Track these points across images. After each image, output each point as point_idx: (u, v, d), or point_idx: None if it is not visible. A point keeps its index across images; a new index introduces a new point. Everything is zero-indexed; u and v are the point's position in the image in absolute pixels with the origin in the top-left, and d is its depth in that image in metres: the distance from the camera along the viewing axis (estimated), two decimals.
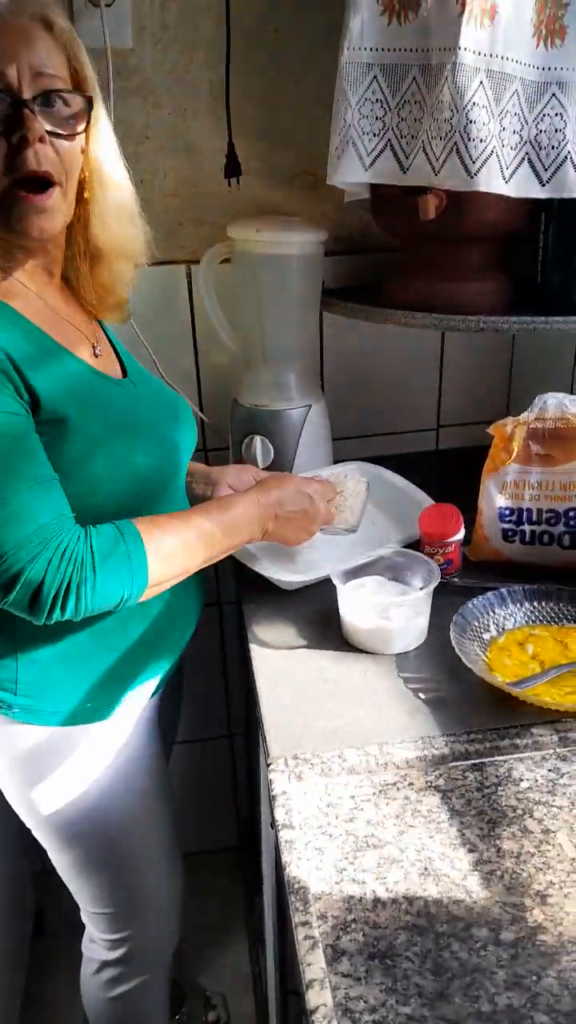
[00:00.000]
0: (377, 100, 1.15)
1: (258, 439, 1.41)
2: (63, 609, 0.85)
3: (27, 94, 0.85)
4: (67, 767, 1.04)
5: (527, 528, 1.18)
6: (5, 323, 0.88)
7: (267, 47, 1.34)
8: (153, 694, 1.10)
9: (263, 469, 1.41)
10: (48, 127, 0.87)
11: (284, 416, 1.40)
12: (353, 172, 1.17)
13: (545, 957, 0.69)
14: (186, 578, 0.98)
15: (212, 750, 1.84)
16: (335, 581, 1.06)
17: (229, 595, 1.66)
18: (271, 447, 1.40)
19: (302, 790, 0.86)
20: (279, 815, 0.83)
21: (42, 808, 1.06)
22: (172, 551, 0.92)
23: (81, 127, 0.90)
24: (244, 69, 1.34)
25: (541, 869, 0.77)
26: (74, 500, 0.90)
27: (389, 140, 1.16)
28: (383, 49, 1.13)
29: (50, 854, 1.14)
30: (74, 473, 0.90)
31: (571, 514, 1.15)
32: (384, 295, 1.31)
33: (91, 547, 0.86)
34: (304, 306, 1.39)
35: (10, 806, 1.10)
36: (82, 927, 1.25)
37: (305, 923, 0.72)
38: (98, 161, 0.95)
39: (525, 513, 1.18)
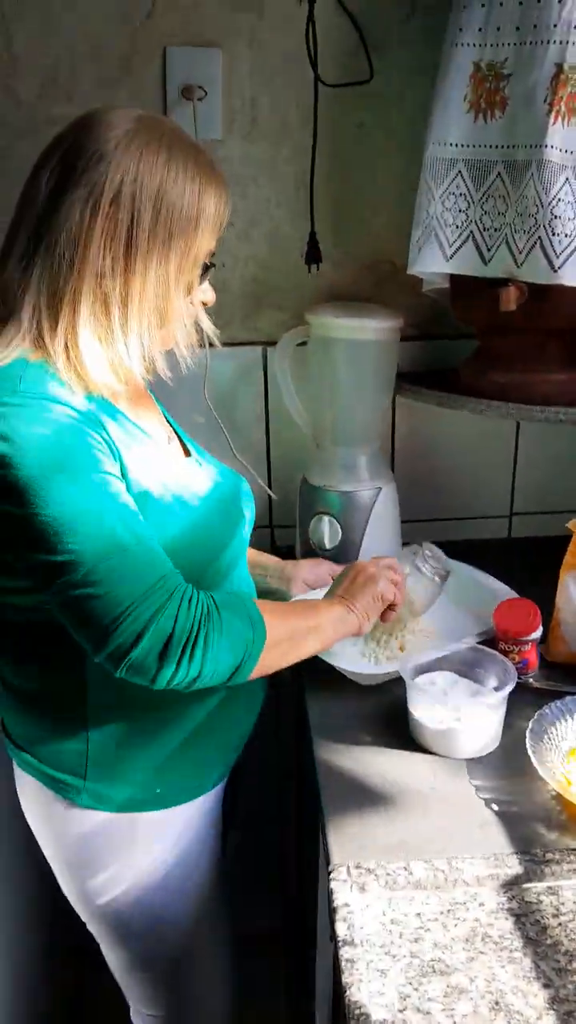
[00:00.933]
0: (461, 194, 1.16)
1: (326, 519, 1.40)
2: (191, 659, 0.84)
3: None
4: (127, 856, 1.01)
5: None
6: (101, 405, 0.90)
7: (351, 141, 1.38)
8: (217, 782, 1.07)
9: (329, 549, 1.39)
10: None
11: (353, 497, 1.39)
12: (434, 262, 1.18)
13: None
14: None
15: (261, 832, 1.78)
16: (404, 676, 1.02)
17: (285, 678, 1.63)
18: (339, 527, 1.39)
19: (364, 903, 0.82)
20: (340, 930, 0.78)
21: (97, 899, 1.03)
22: (280, 636, 0.94)
23: None
24: (328, 162, 1.37)
25: None
26: None
27: (472, 232, 1.16)
28: (468, 145, 1.14)
29: (102, 947, 1.10)
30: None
31: None
32: (460, 382, 1.30)
33: (212, 598, 0.88)
34: (378, 390, 1.39)
35: (45, 877, 1.08)
36: (124, 1004, 1.20)
37: None
38: None
39: None
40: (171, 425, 1.11)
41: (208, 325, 1.00)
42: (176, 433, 1.11)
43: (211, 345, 1.02)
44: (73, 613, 0.83)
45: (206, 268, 0.95)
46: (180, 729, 1.00)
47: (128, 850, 1.00)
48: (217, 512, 1.01)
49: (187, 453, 1.08)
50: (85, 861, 1.01)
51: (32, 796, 1.03)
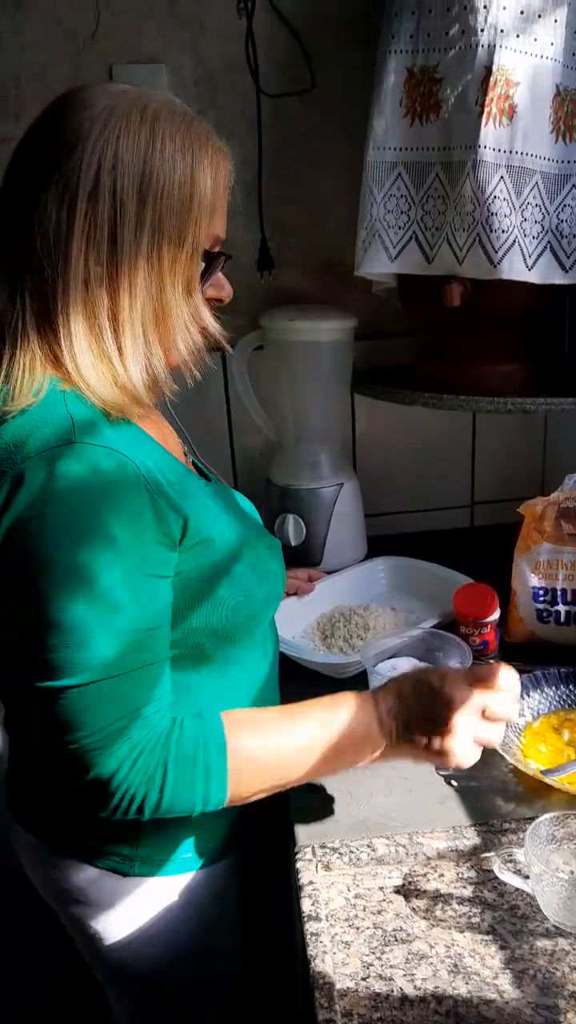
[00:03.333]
0: (402, 195, 1.20)
1: (291, 517, 1.43)
2: (126, 814, 0.75)
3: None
4: (161, 918, 0.92)
5: (562, 608, 1.17)
6: (151, 449, 0.80)
7: (297, 148, 1.41)
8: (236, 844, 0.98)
9: (295, 546, 1.43)
10: None
11: (316, 494, 1.42)
12: (380, 263, 1.22)
13: None
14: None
15: None
16: (365, 663, 1.06)
17: None
18: (303, 525, 1.42)
19: (329, 880, 0.85)
20: (305, 906, 0.81)
21: (115, 954, 0.95)
22: (264, 765, 0.79)
23: None
24: (276, 169, 1.41)
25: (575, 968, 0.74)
26: (200, 623, 0.83)
27: (414, 232, 1.20)
28: (407, 148, 1.18)
29: (112, 1000, 1.04)
30: (206, 594, 0.82)
31: None
32: (413, 377, 1.34)
33: (170, 749, 0.76)
34: (335, 389, 1.43)
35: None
36: None
37: (330, 1021, 0.70)
38: None
39: (559, 593, 1.17)
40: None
41: (214, 325, 0.83)
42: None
43: (219, 350, 0.86)
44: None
45: (212, 258, 0.81)
46: None
47: (162, 912, 0.92)
48: (261, 540, 0.92)
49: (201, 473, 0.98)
50: (129, 926, 0.93)
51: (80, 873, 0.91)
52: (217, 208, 0.80)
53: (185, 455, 0.96)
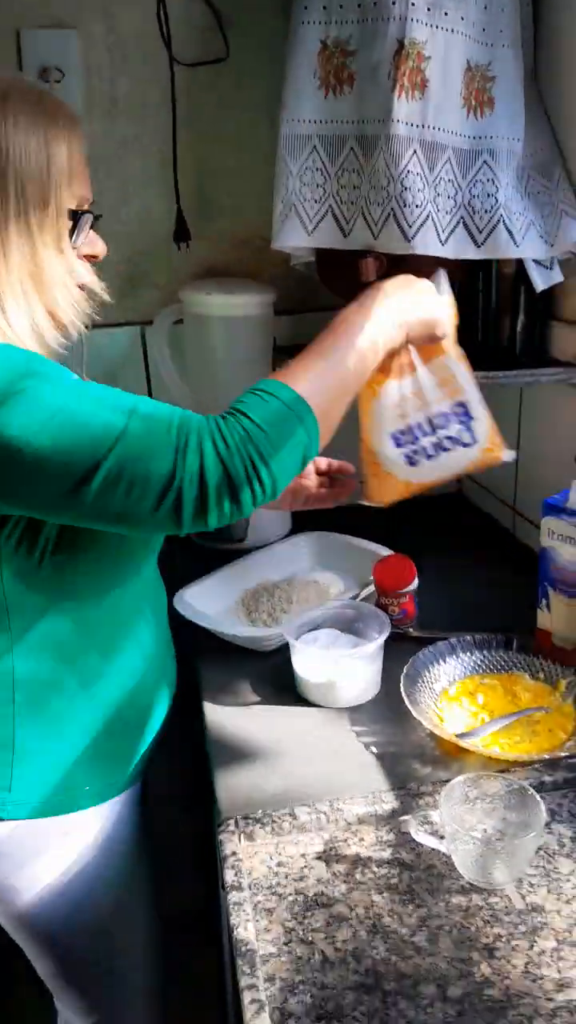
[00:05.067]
0: (317, 168, 1.20)
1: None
2: (259, 481, 0.77)
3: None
4: (45, 861, 0.96)
5: (426, 442, 1.04)
6: None
7: (212, 119, 1.39)
8: (134, 776, 1.03)
9: None
10: None
11: None
12: (296, 237, 1.21)
13: (492, 1012, 0.69)
14: (159, 654, 1.01)
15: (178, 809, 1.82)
16: (287, 636, 1.07)
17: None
18: None
19: (252, 850, 0.86)
20: (228, 877, 0.82)
21: (16, 907, 0.99)
22: (326, 397, 0.83)
23: None
24: (192, 139, 1.39)
25: (488, 922, 0.77)
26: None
27: (330, 206, 1.20)
28: (321, 121, 1.18)
29: (30, 959, 1.07)
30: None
31: (459, 409, 1.03)
32: None
33: (244, 417, 0.78)
34: (255, 364, 1.42)
35: None
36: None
37: (252, 986, 0.72)
38: None
39: (418, 428, 1.03)
40: None
41: (93, 280, 0.91)
42: None
43: (99, 311, 0.92)
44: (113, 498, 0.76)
45: (78, 216, 0.87)
46: (90, 727, 0.95)
47: (44, 856, 0.96)
48: None
49: None
50: (5, 872, 0.96)
51: None
52: (75, 171, 0.85)
53: None
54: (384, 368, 1.02)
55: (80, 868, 0.98)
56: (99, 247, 0.93)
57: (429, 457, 1.05)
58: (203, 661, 1.18)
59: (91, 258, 0.92)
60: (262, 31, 1.34)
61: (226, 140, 1.41)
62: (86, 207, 0.88)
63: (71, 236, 0.86)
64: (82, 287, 0.90)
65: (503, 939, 0.75)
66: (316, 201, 1.21)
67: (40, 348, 0.85)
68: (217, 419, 0.78)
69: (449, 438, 1.04)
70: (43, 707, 0.92)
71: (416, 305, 0.94)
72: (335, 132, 1.18)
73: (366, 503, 1.08)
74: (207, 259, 1.47)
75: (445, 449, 1.04)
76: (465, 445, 1.05)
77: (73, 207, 0.86)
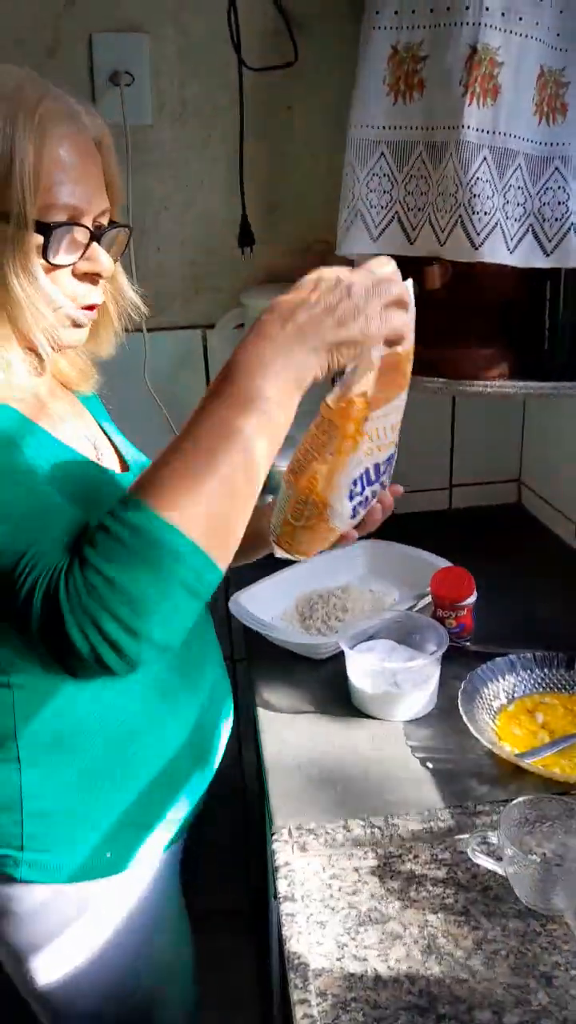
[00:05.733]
0: (384, 175, 1.19)
1: (269, 498, 1.42)
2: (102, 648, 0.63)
3: (94, 225, 0.79)
4: (75, 930, 0.89)
5: (368, 492, 0.88)
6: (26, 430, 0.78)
7: (280, 123, 1.39)
8: (174, 840, 0.95)
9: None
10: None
11: None
12: (361, 243, 1.21)
13: None
14: (204, 704, 0.93)
15: (224, 816, 1.82)
16: (343, 645, 1.06)
17: (241, 652, 1.66)
18: None
19: (305, 861, 0.86)
20: (281, 887, 0.82)
21: (36, 981, 0.91)
22: (201, 502, 0.65)
23: (121, 253, 0.86)
24: (258, 144, 1.39)
25: (547, 949, 0.75)
26: None
27: (396, 213, 1.19)
28: (389, 127, 1.17)
29: None
30: None
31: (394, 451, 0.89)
32: None
33: (83, 546, 0.64)
34: None
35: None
36: None
37: (304, 1001, 0.71)
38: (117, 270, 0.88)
39: (365, 476, 0.86)
40: (106, 434, 0.98)
41: (70, 306, 0.78)
42: (109, 440, 0.97)
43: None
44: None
45: (49, 230, 0.73)
46: (124, 786, 0.88)
47: (76, 924, 0.89)
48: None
49: (124, 466, 0.95)
50: (28, 939, 0.89)
51: None
52: (51, 175, 0.73)
53: (96, 448, 0.91)
54: (353, 436, 0.80)
55: (108, 943, 0.90)
56: (103, 264, 0.79)
57: (364, 508, 0.90)
58: (255, 666, 1.18)
59: (93, 276, 0.80)
60: (332, 35, 1.33)
61: (293, 145, 1.41)
62: (64, 218, 0.75)
63: (44, 252, 0.74)
64: (91, 306, 0.81)
65: (562, 967, 0.74)
66: (383, 207, 1.20)
67: (21, 379, 0.77)
68: (62, 571, 0.63)
69: (382, 485, 0.90)
70: (50, 765, 0.84)
71: (336, 311, 0.69)
72: (403, 138, 1.16)
73: (287, 556, 0.88)
74: (270, 264, 1.46)
75: (372, 499, 0.90)
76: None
77: (40, 218, 0.73)
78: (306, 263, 1.44)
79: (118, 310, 0.90)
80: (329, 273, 0.73)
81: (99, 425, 0.99)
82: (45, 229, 0.74)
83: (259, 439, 0.67)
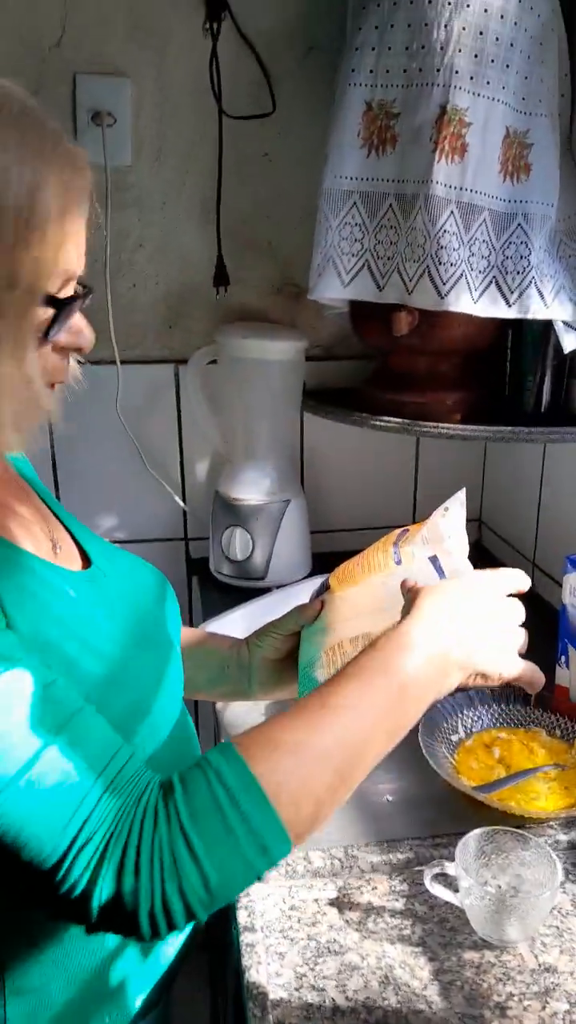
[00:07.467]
0: (356, 224, 1.23)
1: (238, 531, 1.45)
2: (157, 931, 0.58)
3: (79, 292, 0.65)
4: None
5: None
6: None
7: (257, 169, 1.44)
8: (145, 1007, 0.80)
9: (241, 560, 1.45)
10: None
11: (263, 510, 1.45)
12: (332, 289, 1.25)
13: None
14: None
15: None
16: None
17: None
18: (250, 539, 1.44)
19: (266, 892, 0.87)
20: (241, 917, 0.83)
21: None
22: (304, 784, 0.62)
23: None
24: (235, 188, 1.43)
25: (501, 980, 0.77)
26: None
27: (367, 261, 1.24)
28: (362, 178, 1.22)
29: None
30: None
31: None
32: (361, 399, 1.37)
33: (182, 830, 0.57)
34: (285, 407, 1.46)
35: None
36: None
37: None
38: None
39: None
40: (61, 520, 0.82)
41: (47, 398, 0.65)
42: (71, 534, 0.81)
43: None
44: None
45: (62, 304, 0.61)
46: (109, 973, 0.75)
47: None
48: (134, 642, 0.74)
49: (86, 561, 0.79)
50: None
51: None
52: (69, 235, 0.60)
53: (52, 540, 0.76)
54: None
55: None
56: (86, 337, 0.66)
57: None
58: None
59: (73, 350, 0.67)
60: (308, 90, 1.39)
61: (269, 191, 1.45)
62: (70, 287, 0.63)
63: (47, 331, 0.61)
64: (54, 384, 0.67)
65: (515, 998, 0.75)
66: (354, 255, 1.24)
67: None
68: (144, 829, 0.56)
69: None
70: (27, 943, 0.71)
71: (489, 635, 0.72)
72: (375, 190, 1.21)
73: None
74: (245, 303, 1.50)
75: None
76: None
77: (52, 291, 0.60)
78: (278, 305, 1.50)
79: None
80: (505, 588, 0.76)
81: (45, 503, 0.82)
82: (57, 304, 0.61)
83: (391, 728, 0.74)
